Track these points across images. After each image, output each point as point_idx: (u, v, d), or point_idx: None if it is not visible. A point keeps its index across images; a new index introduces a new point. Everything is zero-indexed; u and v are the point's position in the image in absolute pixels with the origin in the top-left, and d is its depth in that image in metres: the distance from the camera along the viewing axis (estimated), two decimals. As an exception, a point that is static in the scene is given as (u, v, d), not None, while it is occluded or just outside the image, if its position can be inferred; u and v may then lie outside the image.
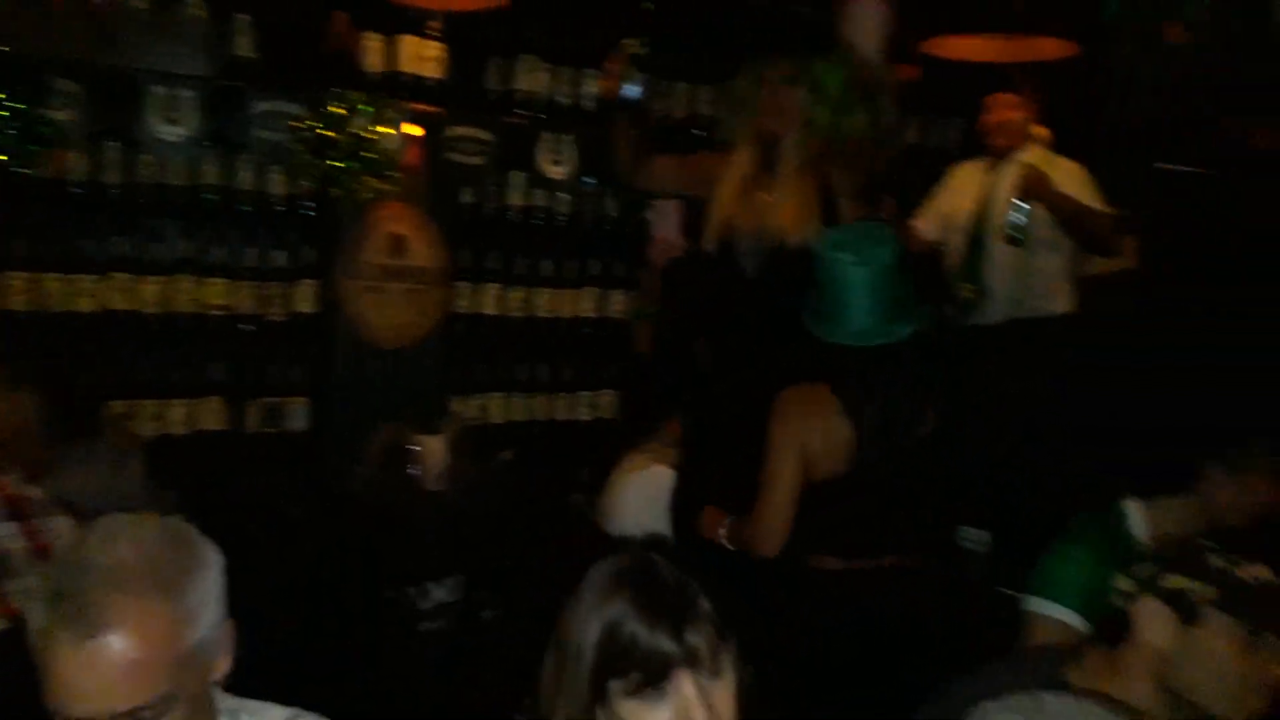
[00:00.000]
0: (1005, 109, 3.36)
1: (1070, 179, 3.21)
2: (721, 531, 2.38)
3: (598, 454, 3.54)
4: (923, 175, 3.78)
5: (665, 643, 1.15)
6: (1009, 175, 3.23)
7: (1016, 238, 3.07)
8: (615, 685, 1.17)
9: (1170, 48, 4.24)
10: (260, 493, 2.91)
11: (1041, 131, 3.42)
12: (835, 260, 2.18)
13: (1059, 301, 3.24)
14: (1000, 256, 3.23)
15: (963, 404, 3.05)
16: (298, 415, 3.28)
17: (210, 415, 3.16)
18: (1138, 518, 2.07)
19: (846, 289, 2.17)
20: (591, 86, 3.57)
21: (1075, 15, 3.48)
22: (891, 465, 2.24)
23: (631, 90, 2.53)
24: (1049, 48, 3.56)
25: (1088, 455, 3.14)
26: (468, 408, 3.54)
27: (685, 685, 1.14)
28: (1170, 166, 4.55)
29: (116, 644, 1.06)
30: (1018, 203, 3.06)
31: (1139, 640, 1.52)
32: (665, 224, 3.06)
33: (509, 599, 2.77)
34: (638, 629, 1.16)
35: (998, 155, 3.36)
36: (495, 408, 3.61)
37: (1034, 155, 3.32)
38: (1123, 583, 1.58)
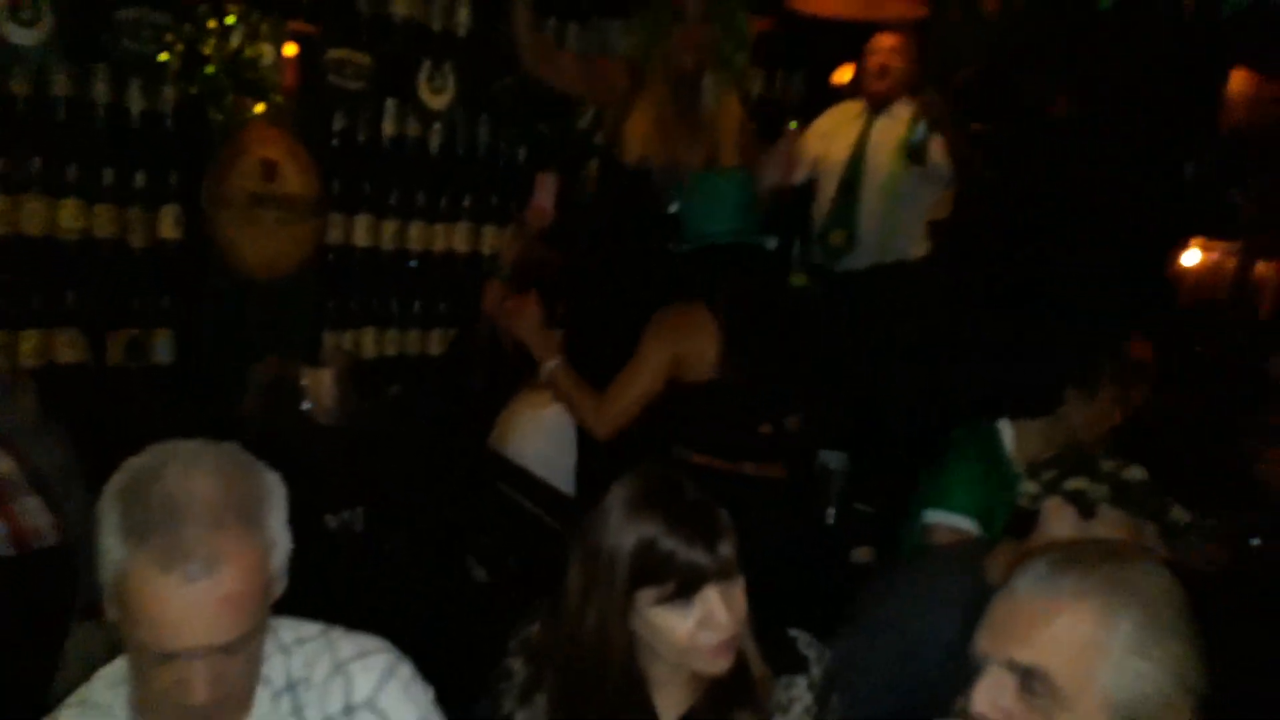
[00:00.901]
0: (888, 55, 3.39)
1: None
2: (550, 363, 2.44)
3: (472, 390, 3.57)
4: (767, 125, 3.98)
5: (701, 556, 1.27)
6: (885, 128, 3.36)
7: (918, 156, 3.18)
8: (646, 594, 1.28)
9: (984, 18, 4.66)
10: (142, 426, 2.76)
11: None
12: (707, 175, 2.46)
13: (917, 248, 3.46)
14: (871, 206, 3.37)
15: (838, 340, 3.34)
16: (163, 348, 3.11)
17: (66, 347, 2.94)
18: (1009, 436, 2.34)
19: (718, 197, 2.42)
20: (465, 14, 3.53)
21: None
22: (759, 376, 2.45)
23: None
24: (898, 7, 3.82)
25: (937, 383, 3.52)
26: (340, 342, 3.47)
27: (711, 593, 1.27)
28: (983, 128, 5.01)
29: (222, 581, 1.06)
30: (921, 123, 3.18)
31: (1045, 534, 1.77)
32: (543, 193, 3.06)
33: (411, 530, 2.79)
34: (675, 545, 1.27)
35: (875, 102, 3.41)
36: (368, 342, 3.55)
37: (913, 106, 3.37)
38: (1029, 486, 1.83)
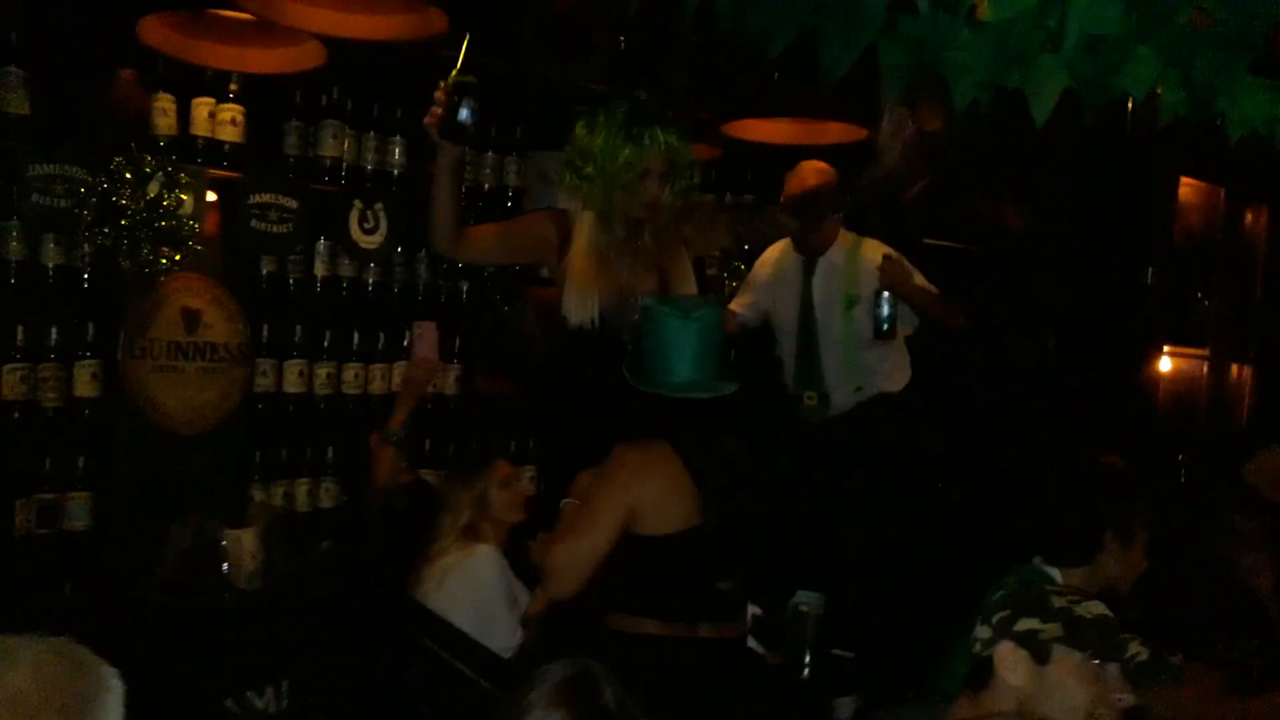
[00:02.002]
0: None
1: (880, 258, 3.37)
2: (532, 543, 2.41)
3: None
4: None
5: None
6: (825, 277, 3.41)
7: (885, 330, 3.19)
8: None
9: (931, 135, 4.70)
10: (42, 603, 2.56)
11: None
12: (663, 316, 2.27)
13: (896, 380, 3.44)
14: (833, 360, 3.39)
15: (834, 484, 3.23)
16: (78, 512, 2.91)
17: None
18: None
19: (672, 344, 2.25)
20: (398, 153, 3.49)
21: (859, 103, 3.77)
22: (728, 525, 2.28)
23: (465, 114, 2.38)
24: (838, 132, 3.85)
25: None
26: (271, 495, 3.28)
27: None
28: (935, 241, 5.01)
29: None
30: (883, 295, 3.20)
31: (1001, 684, 1.62)
32: (424, 344, 3.00)
33: (341, 703, 2.56)
34: None
35: (810, 254, 3.47)
36: (301, 494, 3.36)
37: (846, 246, 3.47)
38: (982, 631, 1.67)
